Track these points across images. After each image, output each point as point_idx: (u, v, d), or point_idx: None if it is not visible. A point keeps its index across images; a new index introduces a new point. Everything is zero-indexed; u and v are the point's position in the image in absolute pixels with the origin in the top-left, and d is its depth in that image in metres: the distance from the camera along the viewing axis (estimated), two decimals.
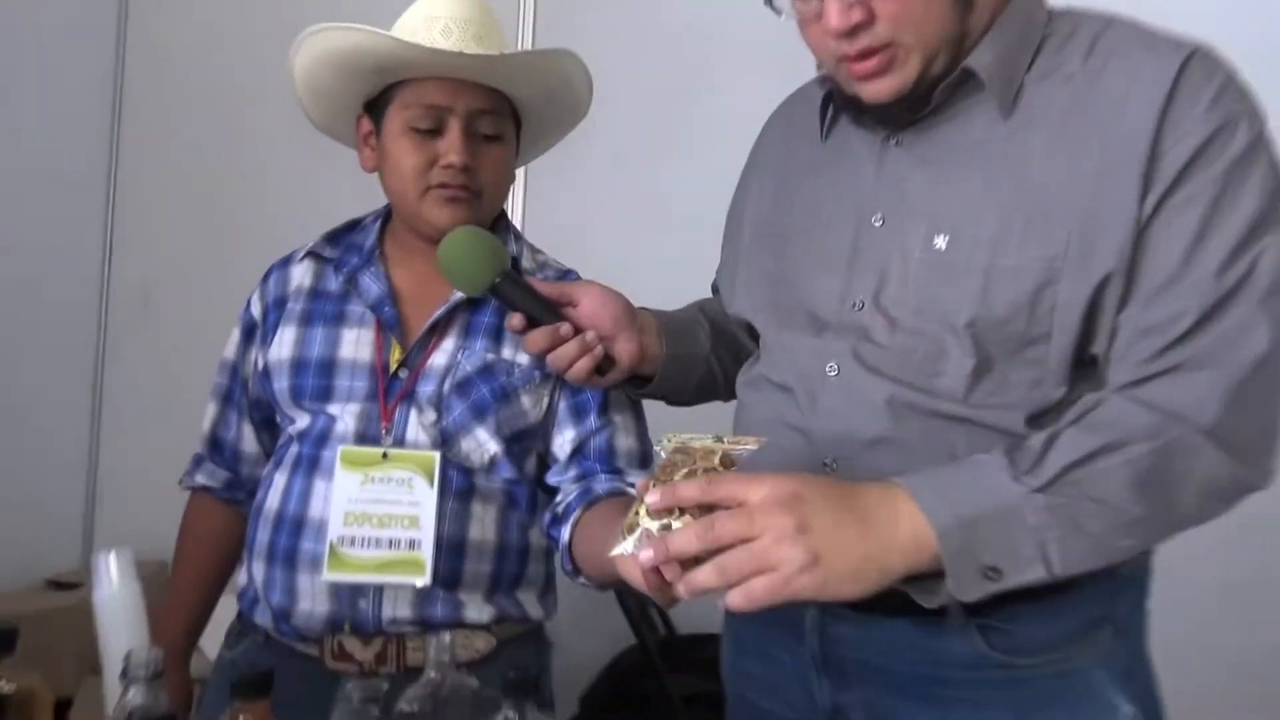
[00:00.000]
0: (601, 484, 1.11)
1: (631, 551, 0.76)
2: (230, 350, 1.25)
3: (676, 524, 0.74)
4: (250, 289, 1.25)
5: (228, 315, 1.28)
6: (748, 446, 0.80)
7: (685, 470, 0.77)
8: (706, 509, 0.74)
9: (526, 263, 1.20)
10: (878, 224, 0.92)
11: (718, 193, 1.17)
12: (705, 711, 2.02)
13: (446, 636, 0.85)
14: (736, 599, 0.72)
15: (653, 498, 0.75)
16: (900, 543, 0.74)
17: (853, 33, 0.85)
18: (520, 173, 2.23)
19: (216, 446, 1.25)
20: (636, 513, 0.77)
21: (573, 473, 1.14)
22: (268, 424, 1.23)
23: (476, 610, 1.10)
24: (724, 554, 0.72)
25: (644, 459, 1.17)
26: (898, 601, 0.81)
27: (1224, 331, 0.77)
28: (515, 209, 2.28)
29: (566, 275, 1.22)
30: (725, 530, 0.72)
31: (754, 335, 1.05)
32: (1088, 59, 0.85)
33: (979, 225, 0.84)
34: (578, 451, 1.14)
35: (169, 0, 2.51)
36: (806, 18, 0.88)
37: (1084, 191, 0.81)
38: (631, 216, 2.23)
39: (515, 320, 1.05)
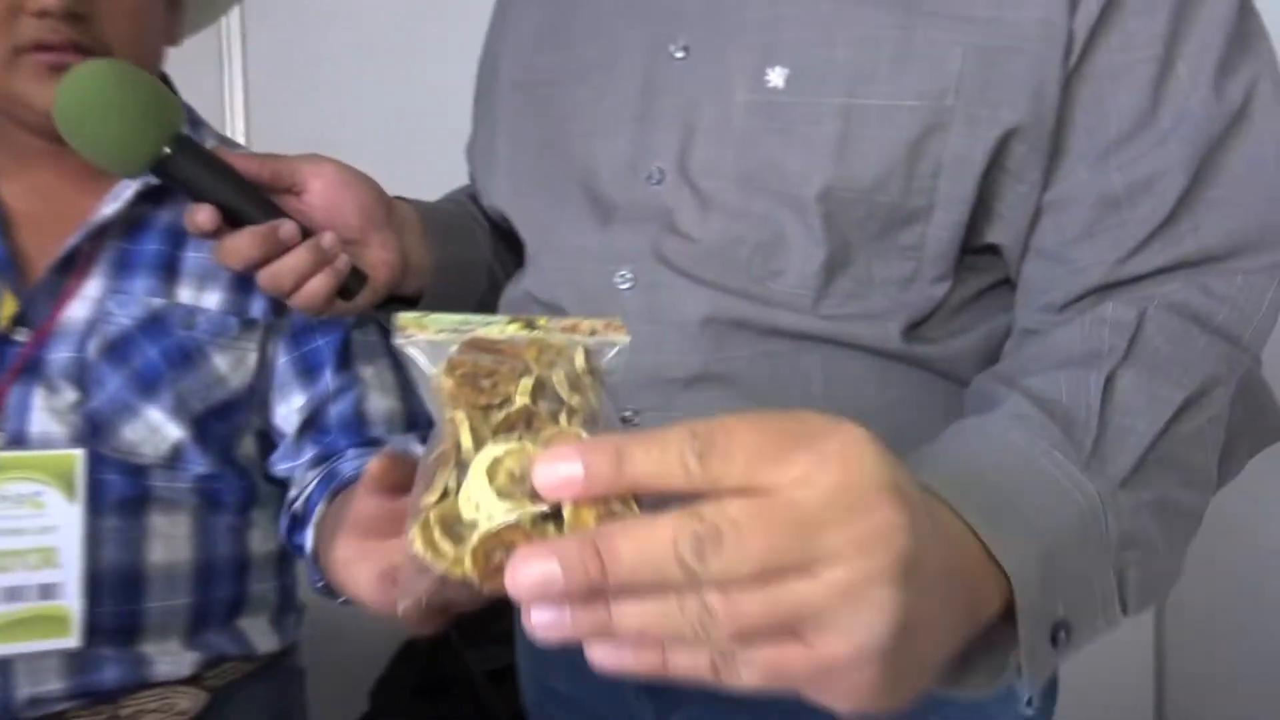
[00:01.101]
0: (350, 463, 0.80)
1: (448, 576, 0.34)
2: None
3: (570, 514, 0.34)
4: None
5: None
6: (611, 340, 0.41)
7: (517, 384, 0.37)
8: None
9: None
10: (679, 55, 0.64)
11: None
12: (515, 685, 1.80)
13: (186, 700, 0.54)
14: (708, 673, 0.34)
15: (551, 471, 0.33)
16: (968, 605, 0.40)
17: None
18: (237, 76, 1.79)
19: None
20: (444, 494, 0.35)
21: (308, 455, 0.82)
22: None
23: (172, 662, 0.78)
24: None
25: (412, 422, 0.86)
26: None
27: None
28: (235, 125, 1.83)
29: None
30: (757, 548, 0.32)
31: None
32: None
33: (832, 49, 0.58)
34: (310, 424, 0.83)
35: None
36: None
37: None
38: (388, 125, 1.84)
39: (201, 216, 0.65)
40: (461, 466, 0.35)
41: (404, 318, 0.40)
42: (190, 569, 0.79)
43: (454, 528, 0.34)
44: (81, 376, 0.75)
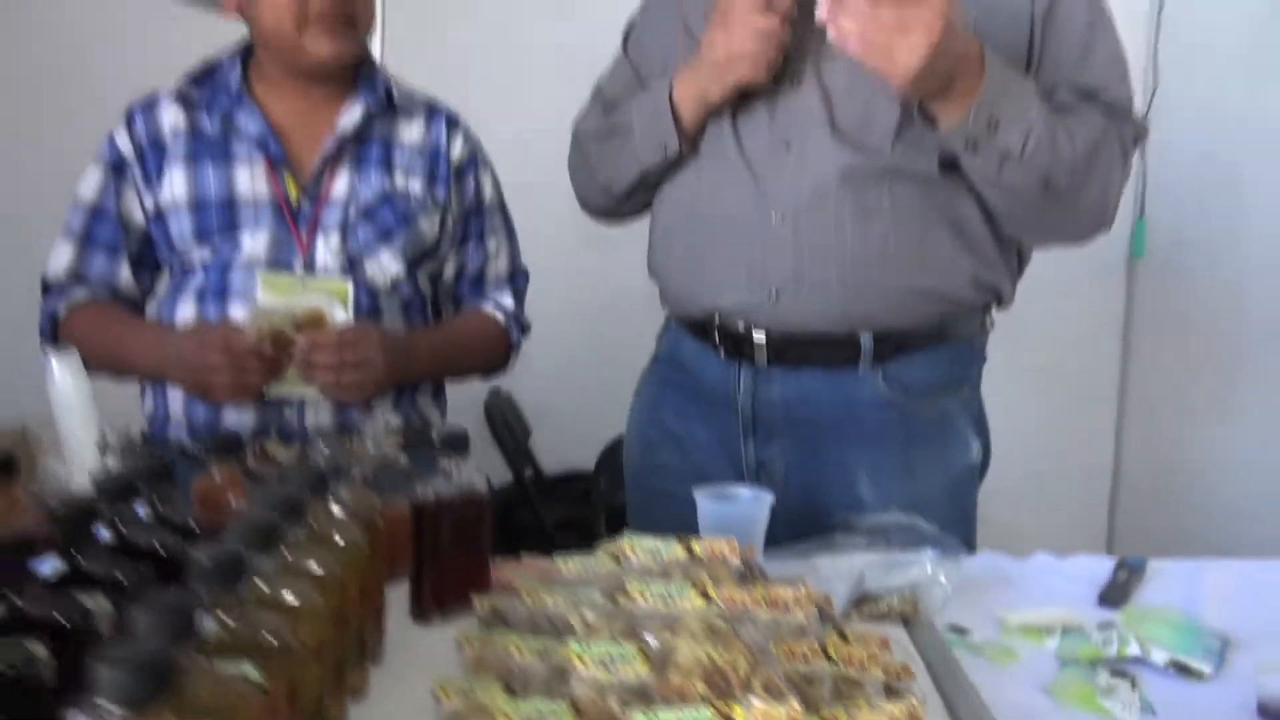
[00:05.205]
0: (470, 304, 1.35)
1: None
2: (89, 191, 1.23)
3: None
4: None
5: None
6: None
7: None
8: None
9: (397, 97, 1.27)
10: None
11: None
12: (576, 536, 2.25)
13: (385, 419, 0.99)
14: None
15: None
16: (970, 47, 0.98)
17: None
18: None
19: (79, 282, 1.24)
20: None
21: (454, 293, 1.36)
22: (135, 264, 1.26)
23: (386, 416, 1.23)
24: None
25: (511, 274, 1.38)
26: (820, 356, 1.10)
27: None
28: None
29: (434, 109, 1.30)
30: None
31: None
32: None
33: None
34: (459, 273, 1.34)
35: None
36: None
37: None
38: (494, 76, 2.24)
39: None
40: None
41: None
42: None
43: None
44: (345, 230, 1.21)
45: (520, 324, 1.37)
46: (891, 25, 0.92)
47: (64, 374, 0.93)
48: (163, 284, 1.28)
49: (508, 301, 1.35)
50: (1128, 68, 1.12)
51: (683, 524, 1.14)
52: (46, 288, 1.24)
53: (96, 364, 1.14)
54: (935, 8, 0.92)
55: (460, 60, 2.19)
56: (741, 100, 1.12)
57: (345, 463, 0.86)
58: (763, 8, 1.05)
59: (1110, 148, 1.06)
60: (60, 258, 1.24)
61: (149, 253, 1.25)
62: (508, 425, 2.22)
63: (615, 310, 2.17)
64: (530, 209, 1.44)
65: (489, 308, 1.34)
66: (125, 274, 1.25)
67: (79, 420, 0.91)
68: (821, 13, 0.95)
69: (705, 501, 0.97)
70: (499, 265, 1.35)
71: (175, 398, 1.20)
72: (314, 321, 1.12)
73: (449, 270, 1.32)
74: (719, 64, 1.08)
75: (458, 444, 0.90)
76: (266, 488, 0.70)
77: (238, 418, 1.17)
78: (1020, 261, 1.21)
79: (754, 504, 0.98)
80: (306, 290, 1.15)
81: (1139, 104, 2.19)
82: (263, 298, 1.13)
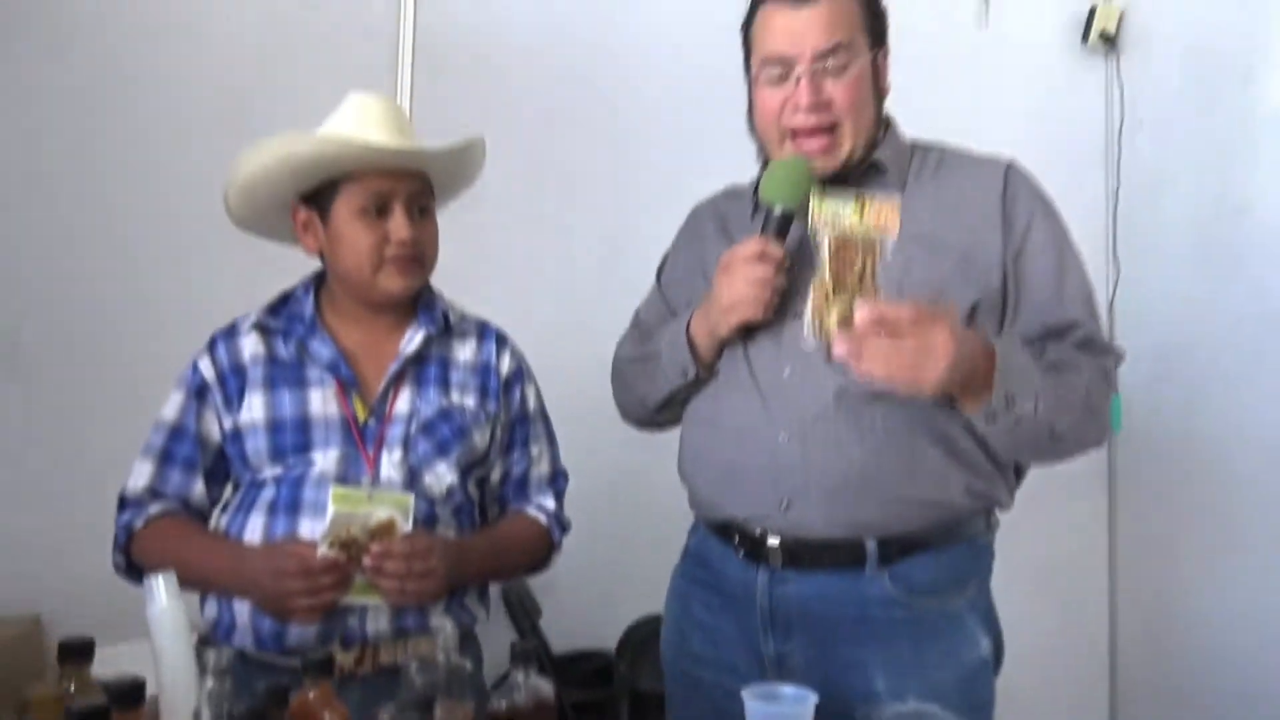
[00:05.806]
0: (514, 507, 1.45)
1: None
2: (171, 412, 1.34)
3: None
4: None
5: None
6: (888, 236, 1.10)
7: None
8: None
9: (453, 316, 1.42)
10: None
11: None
12: (594, 716, 2.27)
13: (449, 626, 1.07)
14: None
15: (865, 311, 1.03)
16: (984, 353, 1.12)
17: (815, 108, 1.20)
18: None
19: (155, 497, 1.34)
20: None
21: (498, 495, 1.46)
22: (207, 477, 1.36)
23: (438, 618, 1.30)
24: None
25: (552, 478, 1.48)
26: (830, 559, 1.20)
27: None
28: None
29: (485, 329, 1.45)
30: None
31: None
32: (938, 172, 1.29)
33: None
34: (504, 477, 1.45)
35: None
36: (768, 90, 1.24)
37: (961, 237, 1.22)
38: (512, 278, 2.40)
39: None
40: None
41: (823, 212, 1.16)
42: None
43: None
44: (406, 444, 1.32)
45: (561, 524, 1.46)
46: (914, 349, 1.03)
47: (164, 595, 1.01)
48: (228, 492, 1.38)
49: (549, 503, 1.45)
50: (1095, 297, 1.28)
51: (716, 709, 1.23)
52: (123, 503, 1.33)
53: None
54: (946, 325, 1.05)
55: (516, 283, 2.35)
56: (750, 331, 1.27)
57: (438, 679, 0.93)
58: (758, 259, 1.21)
59: (1099, 385, 1.20)
60: (140, 475, 1.33)
61: (221, 467, 1.36)
62: (523, 607, 2.27)
63: (626, 497, 2.28)
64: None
65: (532, 510, 1.44)
66: (199, 488, 1.35)
67: (177, 641, 0.99)
68: (839, 351, 1.05)
69: (753, 703, 1.05)
70: (541, 469, 1.46)
71: (241, 608, 1.27)
72: (386, 530, 1.22)
73: (495, 475, 1.43)
74: (723, 307, 1.24)
75: (528, 656, 0.99)
76: (387, 713, 0.78)
77: (303, 629, 1.24)
78: (1018, 473, 1.32)
79: (798, 704, 1.06)
80: (373, 503, 1.25)
81: (1103, 293, 2.41)
82: (334, 510, 1.22)
